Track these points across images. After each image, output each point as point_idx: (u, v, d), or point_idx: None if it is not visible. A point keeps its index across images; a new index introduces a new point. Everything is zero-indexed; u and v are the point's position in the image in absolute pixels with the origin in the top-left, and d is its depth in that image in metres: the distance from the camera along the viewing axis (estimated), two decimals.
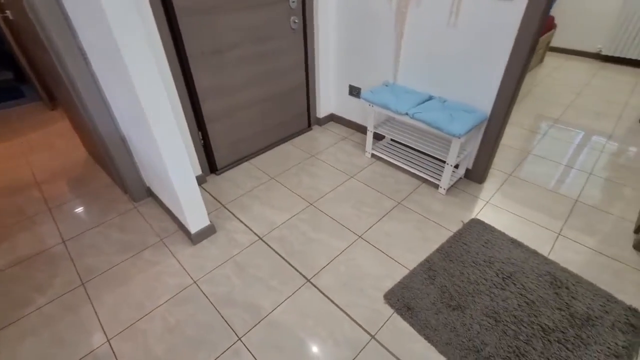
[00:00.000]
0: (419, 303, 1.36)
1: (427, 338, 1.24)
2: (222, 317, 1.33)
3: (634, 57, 3.68)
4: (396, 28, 1.96)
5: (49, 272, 1.54)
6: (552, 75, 3.58)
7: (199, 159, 2.02)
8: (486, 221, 1.75)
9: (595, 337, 1.23)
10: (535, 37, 1.51)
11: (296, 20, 2.09)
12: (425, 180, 2.05)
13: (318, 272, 1.50)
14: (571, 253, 1.57)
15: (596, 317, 1.29)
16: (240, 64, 1.95)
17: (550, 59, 4.04)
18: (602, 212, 1.81)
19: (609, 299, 1.36)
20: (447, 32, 1.77)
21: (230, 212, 1.85)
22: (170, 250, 1.63)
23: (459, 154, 1.85)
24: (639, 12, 3.47)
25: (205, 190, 2.03)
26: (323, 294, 1.41)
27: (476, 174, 2.00)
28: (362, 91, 2.38)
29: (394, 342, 1.24)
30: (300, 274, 1.50)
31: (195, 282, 1.48)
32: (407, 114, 1.84)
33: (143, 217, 1.84)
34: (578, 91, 3.23)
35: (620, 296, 1.38)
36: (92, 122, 1.63)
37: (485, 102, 1.78)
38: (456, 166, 2.07)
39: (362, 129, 2.54)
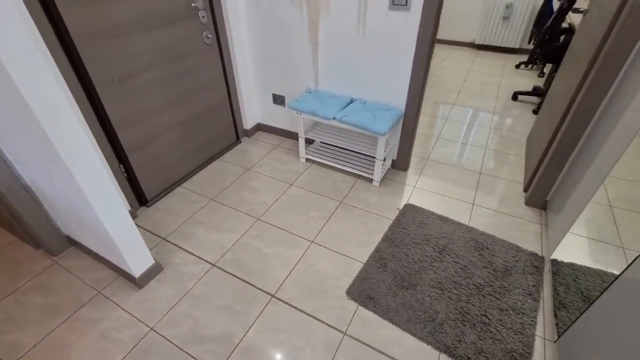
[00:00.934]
0: (377, 291, 1.50)
1: (391, 320, 1.39)
2: (193, 357, 1.28)
3: (498, 45, 4.46)
4: (311, 37, 2.05)
5: None
6: (442, 65, 4.13)
7: (124, 193, 1.85)
8: (417, 204, 1.98)
9: (514, 283, 1.53)
10: (433, 37, 1.75)
11: (209, 35, 2.03)
12: (359, 176, 2.21)
13: (281, 285, 1.53)
14: (484, 218, 1.89)
15: (511, 267, 1.60)
16: (156, 87, 1.83)
17: (438, 50, 4.64)
18: (499, 178, 2.20)
19: (517, 249, 1.70)
20: (357, 39, 1.92)
21: (174, 244, 1.75)
22: (113, 302, 1.48)
23: (385, 149, 2.05)
24: (495, 8, 4.21)
25: (140, 226, 1.87)
26: (290, 305, 1.45)
27: (401, 163, 2.24)
28: (286, 99, 2.44)
29: (364, 332, 1.35)
30: (264, 291, 1.51)
31: (152, 328, 1.38)
32: (334, 118, 1.96)
33: (68, 271, 1.62)
34: (464, 77, 3.80)
35: (524, 246, 1.72)
36: None
37: (399, 99, 2.00)
38: (384, 159, 2.27)
39: (291, 135, 2.60)
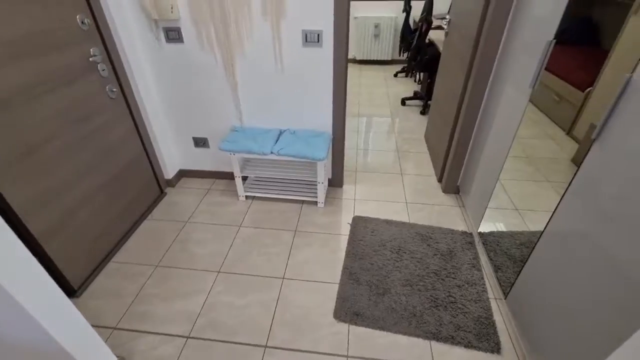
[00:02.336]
0: (360, 305, 1.60)
1: (382, 328, 1.50)
2: None
3: (375, 58, 5.14)
4: (228, 78, 2.05)
5: None
6: None
7: None
8: (363, 215, 2.17)
9: (460, 261, 1.82)
10: (346, 65, 1.95)
11: (113, 89, 1.84)
12: (303, 202, 2.29)
13: (269, 333, 1.49)
14: (418, 212, 2.19)
15: (453, 249, 1.91)
16: (63, 157, 1.56)
17: None
18: (416, 175, 2.57)
19: (451, 232, 2.02)
20: (277, 75, 2.01)
21: (130, 330, 1.52)
22: None
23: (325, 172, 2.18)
24: (366, 28, 4.85)
25: None
26: (286, 349, 1.43)
27: (336, 180, 2.41)
28: (210, 141, 2.35)
29: (363, 349, 1.43)
30: (254, 345, 1.45)
31: None
32: (272, 152, 2.00)
33: None
34: (357, 90, 4.26)
35: (455, 227, 2.06)
36: None
37: (325, 123, 2.16)
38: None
39: (220, 176, 2.52)
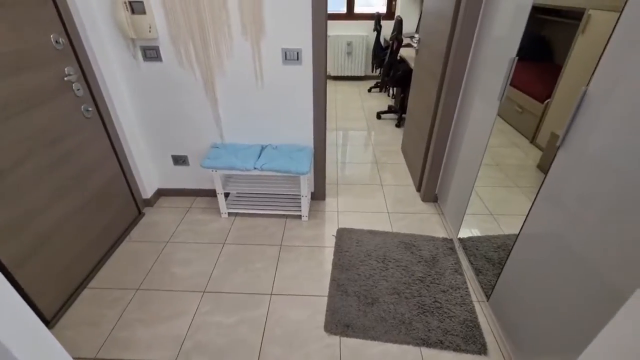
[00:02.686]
0: (350, 317, 1.61)
1: (373, 338, 1.52)
2: None
3: (349, 75, 5.30)
4: (208, 95, 2.06)
5: None
6: None
7: None
8: (347, 226, 2.20)
9: (443, 266, 1.88)
10: (325, 81, 2.01)
11: (89, 108, 1.79)
12: (287, 216, 2.29)
13: (260, 351, 1.47)
14: (400, 221, 2.26)
15: (436, 255, 1.97)
16: (36, 180, 1.50)
17: None
18: (395, 185, 2.65)
19: (433, 239, 2.09)
20: (257, 92, 2.04)
21: (111, 359, 1.44)
22: None
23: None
24: (339, 46, 5.02)
25: None
26: None
27: (319, 193, 2.44)
28: (190, 158, 2.32)
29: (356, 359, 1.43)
30: None
31: None
32: (255, 168, 2.00)
33: None
34: (334, 105, 4.36)
35: (436, 234, 2.14)
36: None
37: (307, 137, 2.20)
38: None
39: (200, 193, 2.48)
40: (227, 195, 2.44)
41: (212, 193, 2.44)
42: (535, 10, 1.63)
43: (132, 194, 2.22)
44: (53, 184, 1.59)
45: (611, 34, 0.94)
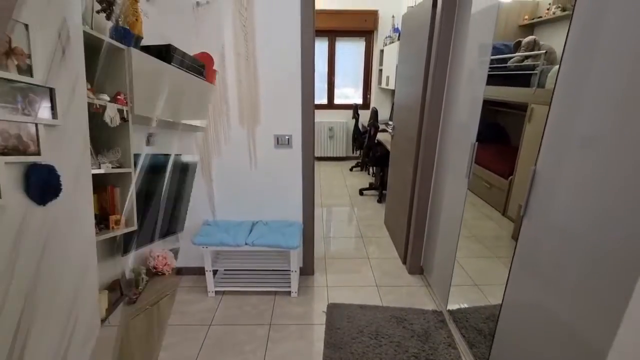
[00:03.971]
0: None
1: None
2: None
3: (332, 155, 5.72)
4: (204, 176, 2.21)
5: None
6: None
7: None
8: (337, 302, 2.18)
9: (436, 341, 1.86)
10: (313, 163, 2.22)
11: None
12: (276, 293, 2.26)
13: None
14: (389, 295, 2.26)
15: (427, 329, 1.95)
16: None
17: None
18: (381, 259, 2.71)
19: (423, 312, 2.09)
20: (251, 172, 2.21)
21: None
22: None
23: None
24: (322, 131, 5.53)
25: None
26: None
27: (308, 268, 2.45)
28: (179, 236, 2.35)
29: None
30: None
31: None
32: (246, 243, 2.05)
33: None
34: (319, 183, 4.60)
35: (425, 307, 2.14)
36: None
37: (296, 214, 2.32)
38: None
39: (187, 272, 2.43)
40: (215, 272, 2.41)
41: (199, 271, 2.40)
42: (489, 103, 1.98)
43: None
44: None
45: (545, 123, 1.18)
